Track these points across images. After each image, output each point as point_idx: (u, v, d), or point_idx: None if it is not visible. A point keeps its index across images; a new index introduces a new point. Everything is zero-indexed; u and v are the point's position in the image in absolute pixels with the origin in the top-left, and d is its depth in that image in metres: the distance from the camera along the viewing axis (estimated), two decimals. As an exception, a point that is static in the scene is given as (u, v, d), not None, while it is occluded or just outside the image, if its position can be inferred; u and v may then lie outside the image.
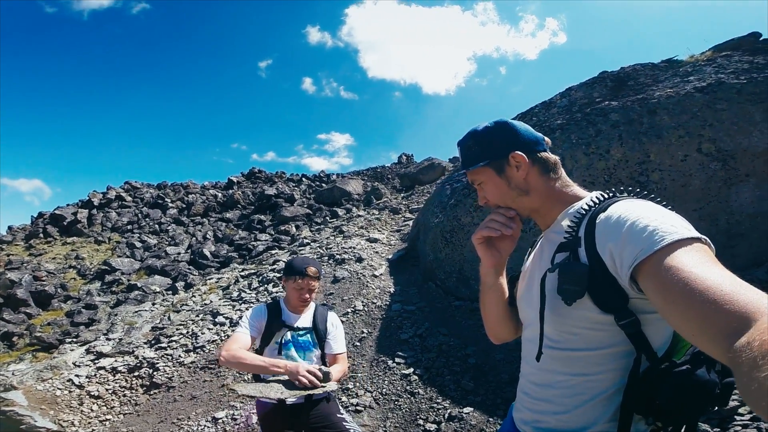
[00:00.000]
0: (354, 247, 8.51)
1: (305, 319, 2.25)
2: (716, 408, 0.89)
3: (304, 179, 22.41)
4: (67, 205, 18.44)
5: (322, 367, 1.94)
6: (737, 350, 0.51)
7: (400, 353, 4.68)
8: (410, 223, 10.00)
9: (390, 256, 8.12)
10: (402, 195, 14.70)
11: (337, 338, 2.28)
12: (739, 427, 2.19)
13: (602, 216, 0.85)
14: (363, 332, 5.29)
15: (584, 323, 0.88)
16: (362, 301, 6.09)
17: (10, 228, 17.02)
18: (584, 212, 0.91)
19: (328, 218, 14.46)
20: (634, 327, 0.82)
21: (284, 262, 9.30)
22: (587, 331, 0.88)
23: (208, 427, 4.06)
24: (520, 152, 1.02)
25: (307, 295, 2.20)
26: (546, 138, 1.10)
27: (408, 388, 4.10)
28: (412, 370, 4.34)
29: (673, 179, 4.23)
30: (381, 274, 7.14)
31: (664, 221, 0.75)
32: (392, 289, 6.51)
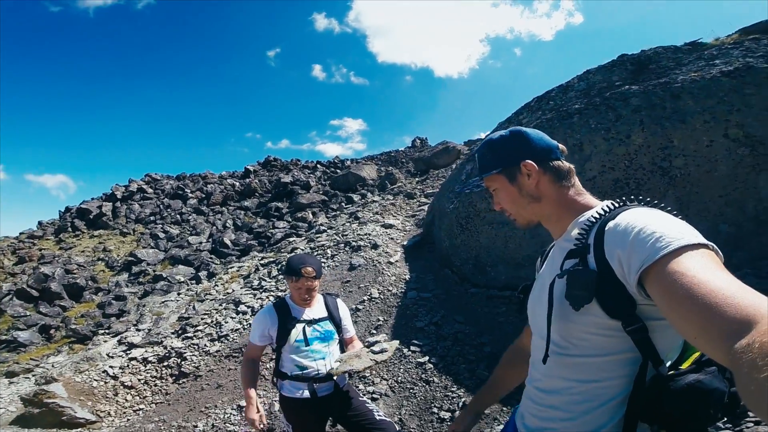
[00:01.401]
0: (369, 234, 8.55)
1: (319, 310, 2.34)
2: (726, 418, 0.90)
3: (319, 166, 22.52)
4: (92, 198, 19.12)
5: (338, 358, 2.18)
6: (737, 352, 0.52)
7: (415, 341, 4.73)
8: (425, 208, 9.96)
9: (405, 242, 8.14)
10: (416, 179, 14.61)
11: (349, 322, 2.45)
12: (752, 424, 2.18)
13: (611, 224, 0.87)
14: (379, 320, 5.35)
15: (592, 329, 0.89)
16: (378, 289, 6.14)
17: (40, 223, 17.82)
18: (594, 220, 0.94)
19: (343, 204, 14.56)
20: (641, 333, 0.83)
21: (302, 249, 9.45)
22: (594, 337, 0.89)
23: (234, 414, 4.25)
24: (530, 161, 1.06)
25: (306, 295, 2.27)
26: (561, 146, 1.12)
27: (423, 376, 4.16)
28: (427, 358, 4.40)
29: (697, 165, 4.08)
30: (396, 261, 7.17)
31: (671, 228, 0.77)
32: (408, 276, 6.54)
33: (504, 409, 3.51)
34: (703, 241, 0.74)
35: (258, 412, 2.20)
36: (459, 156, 14.94)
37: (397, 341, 2.27)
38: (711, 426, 0.84)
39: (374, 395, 4.03)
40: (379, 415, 2.24)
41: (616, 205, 0.95)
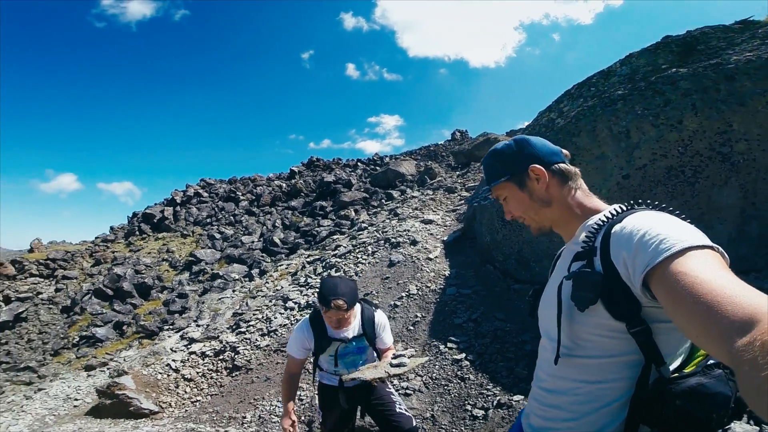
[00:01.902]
0: (408, 230, 8.57)
1: (353, 329, 2.33)
2: (733, 422, 0.88)
3: (359, 164, 22.86)
4: (155, 204, 20.83)
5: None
6: (738, 350, 0.52)
7: (452, 338, 4.70)
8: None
9: (445, 238, 8.08)
10: (457, 173, 14.38)
11: (386, 334, 2.41)
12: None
13: (617, 227, 0.88)
14: (417, 316, 5.37)
15: (597, 330, 0.90)
16: (416, 285, 6.15)
17: (112, 228, 19.74)
18: (602, 224, 0.95)
19: (383, 201, 14.69)
20: (644, 335, 0.84)
21: (344, 247, 9.68)
22: (600, 338, 0.90)
23: (279, 407, 4.51)
24: (538, 165, 1.07)
25: (337, 325, 2.24)
26: (564, 150, 1.13)
27: (459, 373, 4.13)
28: (464, 355, 4.35)
29: (763, 150, 3.69)
30: (436, 257, 7.14)
31: (676, 231, 0.77)
32: (447, 272, 6.50)
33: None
34: (708, 243, 0.74)
35: (292, 423, 2.25)
36: (501, 147, 14.50)
37: (425, 358, 2.21)
38: (718, 430, 0.82)
39: (408, 391, 4.09)
40: (400, 408, 2.32)
41: (624, 208, 0.95)
